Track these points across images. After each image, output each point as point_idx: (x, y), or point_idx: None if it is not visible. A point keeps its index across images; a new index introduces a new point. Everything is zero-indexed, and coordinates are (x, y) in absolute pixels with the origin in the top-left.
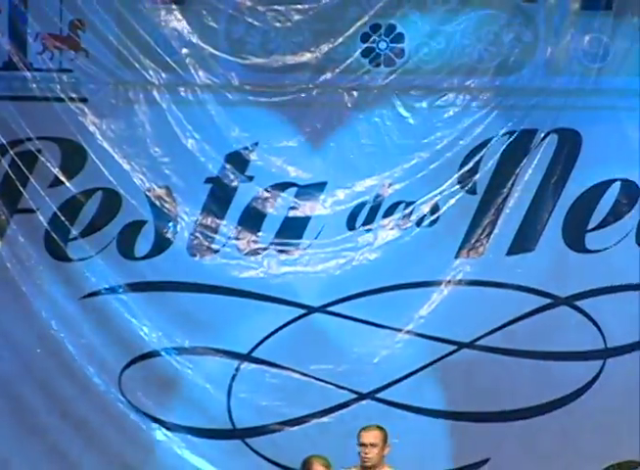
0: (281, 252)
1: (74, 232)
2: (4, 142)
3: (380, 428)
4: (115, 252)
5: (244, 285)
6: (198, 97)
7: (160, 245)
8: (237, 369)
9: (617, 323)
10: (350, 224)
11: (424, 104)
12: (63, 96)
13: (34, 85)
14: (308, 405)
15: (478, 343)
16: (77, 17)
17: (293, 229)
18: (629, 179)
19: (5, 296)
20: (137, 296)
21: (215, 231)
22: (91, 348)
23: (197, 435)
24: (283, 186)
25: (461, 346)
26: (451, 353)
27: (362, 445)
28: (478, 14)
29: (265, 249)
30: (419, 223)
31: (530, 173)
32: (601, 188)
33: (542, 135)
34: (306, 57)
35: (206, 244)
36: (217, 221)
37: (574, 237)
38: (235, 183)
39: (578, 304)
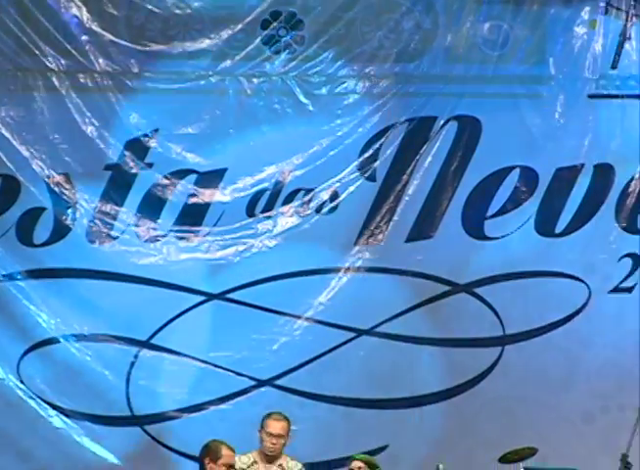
0: (180, 239)
1: None
2: None
3: (287, 419)
4: (14, 238)
5: (143, 272)
6: (97, 84)
7: (60, 232)
8: (136, 356)
9: (516, 310)
10: (250, 211)
11: (324, 90)
12: None
13: None
14: (207, 392)
15: (377, 330)
16: None
17: (192, 216)
18: (528, 166)
19: None
20: (35, 283)
21: (114, 218)
22: None
23: (96, 422)
24: (182, 173)
25: (360, 333)
26: (350, 340)
27: (270, 434)
28: (378, 1)
29: (164, 236)
30: (318, 210)
31: (430, 160)
32: (500, 175)
33: (442, 122)
34: (206, 44)
35: (106, 231)
36: (116, 208)
37: (474, 224)
38: (134, 170)
39: (477, 291)
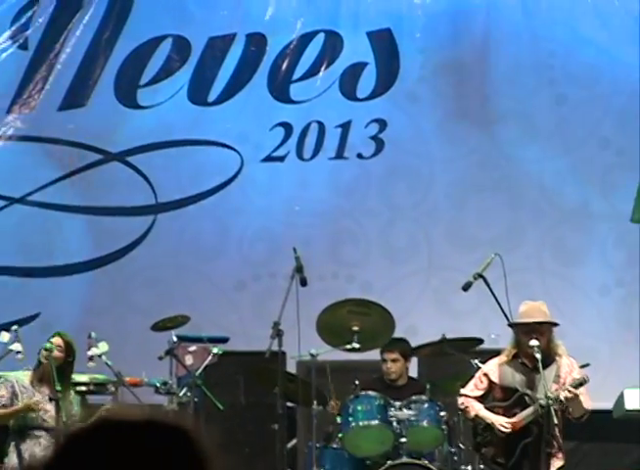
0: None
1: None
2: None
3: None
4: None
5: None
6: None
7: None
8: None
9: (169, 179)
10: None
11: None
12: None
13: None
14: None
15: (29, 198)
16: None
17: None
18: (181, 35)
19: None
20: None
21: None
22: None
23: None
24: None
25: (12, 201)
26: (2, 209)
27: None
28: None
29: None
30: None
31: (82, 29)
32: (153, 44)
33: None
34: None
35: None
36: None
37: (126, 93)
38: None
39: (130, 159)
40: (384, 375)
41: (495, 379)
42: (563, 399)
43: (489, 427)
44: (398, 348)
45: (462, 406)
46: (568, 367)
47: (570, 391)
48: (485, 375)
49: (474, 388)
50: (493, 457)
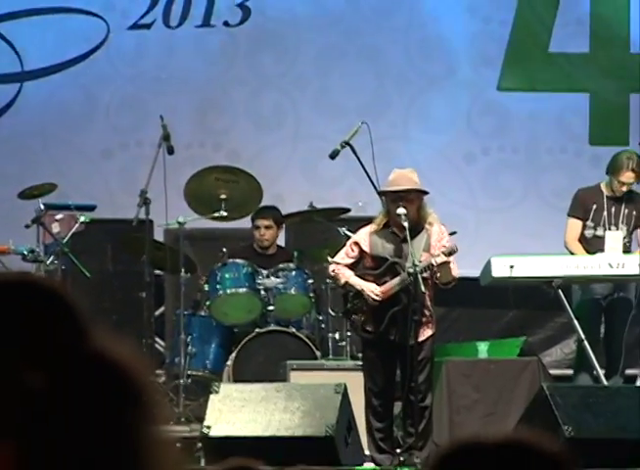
0: None
1: None
2: None
3: None
4: None
5: None
6: None
7: None
8: None
9: (34, 47)
10: None
11: None
12: None
13: None
14: None
15: None
16: None
17: None
18: None
19: None
20: None
21: None
22: None
23: None
24: None
25: None
26: None
27: None
28: None
29: None
30: None
31: None
32: None
33: None
34: None
35: None
36: None
37: None
38: None
39: None
40: (255, 243)
41: (366, 248)
42: (434, 263)
43: (359, 294)
44: (271, 214)
45: (332, 274)
46: (438, 235)
47: (439, 257)
48: (356, 244)
49: (344, 256)
50: (362, 325)
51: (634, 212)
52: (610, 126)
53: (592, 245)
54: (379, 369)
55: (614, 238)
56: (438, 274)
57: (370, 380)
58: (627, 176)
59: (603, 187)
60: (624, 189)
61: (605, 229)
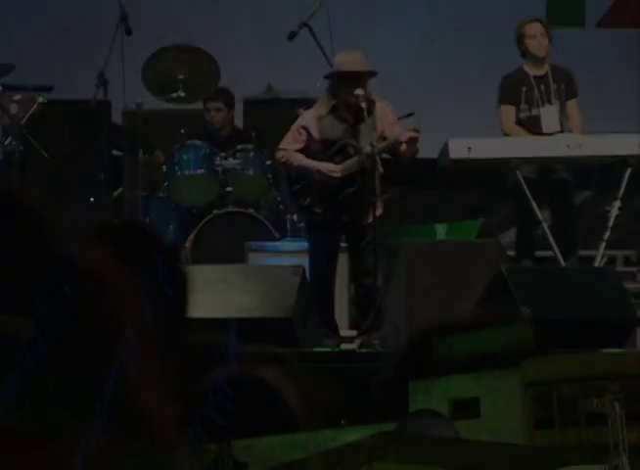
0: None
1: None
2: None
3: None
4: None
5: None
6: None
7: None
8: None
9: None
10: None
11: None
12: None
13: None
14: None
15: None
16: None
17: None
18: None
19: None
20: None
21: None
22: None
23: None
24: None
25: None
26: None
27: None
28: None
29: None
30: None
31: None
32: None
33: None
34: None
35: None
36: None
37: None
38: None
39: None
40: (207, 125)
41: (314, 132)
42: (402, 139)
43: (305, 176)
44: (221, 97)
45: (283, 160)
46: (382, 112)
47: (410, 133)
48: (304, 128)
49: (292, 141)
50: (309, 206)
51: (563, 86)
52: (566, 7)
53: (530, 125)
54: (326, 251)
55: (549, 113)
56: (405, 146)
57: (316, 261)
58: (533, 27)
59: (526, 68)
60: (539, 44)
61: (539, 107)
